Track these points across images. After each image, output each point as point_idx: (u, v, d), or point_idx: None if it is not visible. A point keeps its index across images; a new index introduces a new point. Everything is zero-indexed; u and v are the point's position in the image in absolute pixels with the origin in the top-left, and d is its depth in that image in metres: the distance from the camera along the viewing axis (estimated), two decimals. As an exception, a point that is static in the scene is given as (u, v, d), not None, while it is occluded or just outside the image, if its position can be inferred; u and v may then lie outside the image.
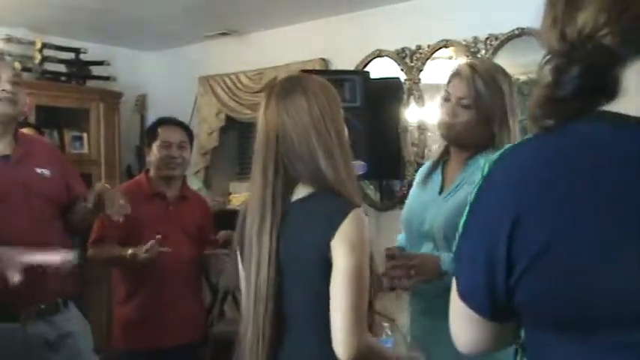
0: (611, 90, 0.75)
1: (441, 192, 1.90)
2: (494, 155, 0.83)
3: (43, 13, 4.11)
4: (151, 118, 2.84)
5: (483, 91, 1.80)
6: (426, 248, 1.84)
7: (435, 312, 1.59)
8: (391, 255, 1.78)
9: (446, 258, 1.71)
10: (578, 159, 0.73)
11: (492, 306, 0.81)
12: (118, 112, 4.77)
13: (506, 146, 0.85)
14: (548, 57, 0.80)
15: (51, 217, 2.21)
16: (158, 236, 2.40)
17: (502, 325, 0.85)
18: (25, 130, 3.55)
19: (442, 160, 1.97)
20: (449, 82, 1.89)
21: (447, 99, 1.87)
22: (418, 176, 2.04)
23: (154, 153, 2.67)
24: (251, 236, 1.46)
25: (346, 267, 1.36)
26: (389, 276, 1.75)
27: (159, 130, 2.70)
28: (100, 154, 4.61)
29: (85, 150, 4.61)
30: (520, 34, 3.50)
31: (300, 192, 1.46)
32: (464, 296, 0.84)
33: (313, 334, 1.42)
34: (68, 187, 2.30)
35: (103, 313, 3.97)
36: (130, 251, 2.41)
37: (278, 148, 1.44)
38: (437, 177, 1.94)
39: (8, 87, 2.09)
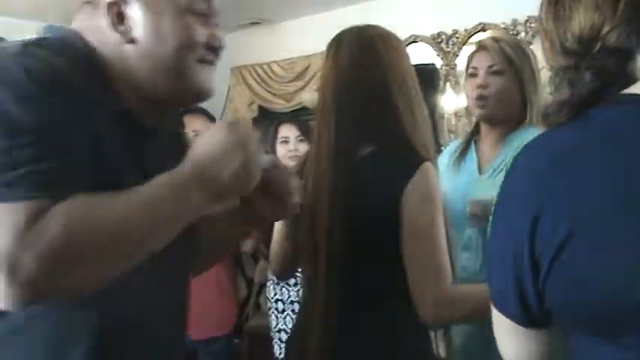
0: (627, 80, 0.71)
1: (480, 172, 1.81)
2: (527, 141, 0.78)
3: (74, 7, 4.11)
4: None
5: (512, 54, 1.75)
6: (471, 231, 1.75)
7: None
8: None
9: None
10: (601, 146, 0.70)
11: (524, 311, 0.76)
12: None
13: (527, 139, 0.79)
14: (557, 74, 0.77)
15: None
16: None
17: (547, 337, 0.78)
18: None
19: (473, 139, 1.89)
20: (472, 58, 1.84)
21: (473, 74, 1.81)
22: (445, 158, 1.94)
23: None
24: (317, 195, 1.35)
25: (419, 219, 1.26)
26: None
27: (184, 120, 2.67)
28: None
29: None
30: (562, 15, 3.35)
31: (368, 147, 1.35)
32: (495, 301, 0.80)
33: (386, 297, 1.33)
34: None
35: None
36: None
37: (351, 100, 1.34)
38: (471, 156, 1.86)
39: None
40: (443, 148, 3.79)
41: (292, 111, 4.48)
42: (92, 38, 0.94)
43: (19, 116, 0.77)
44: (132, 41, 0.93)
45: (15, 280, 0.70)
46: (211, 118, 2.87)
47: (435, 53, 3.92)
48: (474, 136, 1.89)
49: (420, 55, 3.96)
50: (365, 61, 1.35)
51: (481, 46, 1.84)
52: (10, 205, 0.73)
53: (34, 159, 0.76)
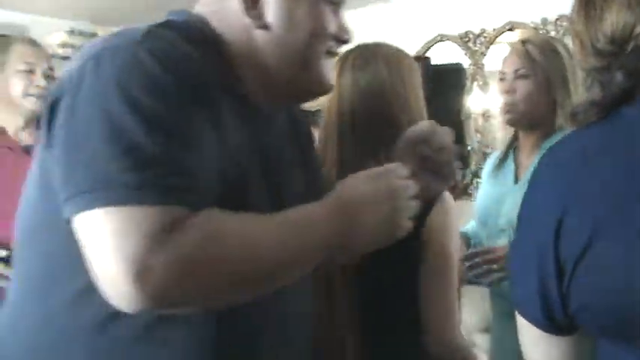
0: None
1: (516, 181, 1.78)
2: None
3: (105, 5, 4.16)
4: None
5: (538, 56, 1.71)
6: (503, 243, 1.71)
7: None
8: (474, 253, 1.63)
9: None
10: (626, 146, 0.69)
11: (548, 316, 0.74)
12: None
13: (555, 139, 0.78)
14: (589, 75, 0.76)
15: None
16: None
17: (573, 344, 0.76)
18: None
19: (512, 148, 1.85)
20: (502, 62, 1.82)
21: (502, 78, 1.79)
22: (487, 167, 1.92)
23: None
24: None
25: (438, 255, 1.25)
26: (471, 269, 1.61)
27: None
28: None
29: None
30: (593, 14, 3.28)
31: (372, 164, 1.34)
32: (518, 305, 0.78)
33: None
34: None
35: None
36: None
37: (354, 120, 1.34)
38: (509, 166, 1.82)
39: (43, 82, 1.97)
40: (470, 148, 3.78)
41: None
42: (218, 23, 0.90)
43: (153, 111, 0.73)
44: (264, 27, 0.89)
45: (143, 284, 0.68)
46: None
47: (462, 52, 3.87)
48: (513, 143, 1.85)
49: (446, 54, 3.93)
50: (366, 80, 1.35)
51: (510, 49, 1.81)
52: (143, 209, 0.69)
53: (167, 160, 0.72)
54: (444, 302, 1.26)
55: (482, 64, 3.80)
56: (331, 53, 0.95)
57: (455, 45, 3.91)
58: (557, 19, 3.43)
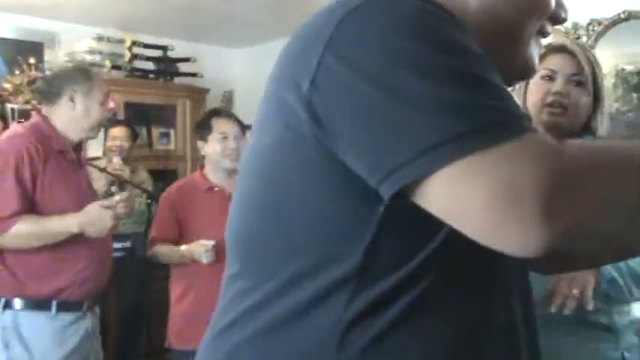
0: None
1: None
2: None
3: (131, 12, 4.19)
4: (238, 114, 2.81)
5: (597, 67, 1.61)
6: None
7: (555, 330, 1.36)
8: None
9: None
10: None
11: None
12: (205, 108, 4.81)
13: None
14: None
15: None
16: (212, 242, 2.39)
17: None
18: (117, 129, 3.67)
19: None
20: (546, 58, 1.62)
21: (549, 77, 1.61)
22: None
23: (212, 146, 2.62)
24: None
25: None
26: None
27: (212, 122, 2.65)
28: (185, 150, 4.66)
29: (172, 146, 4.69)
30: (627, 17, 3.17)
31: None
32: None
33: None
34: None
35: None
36: (193, 256, 2.46)
37: None
38: None
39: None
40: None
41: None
42: None
43: (467, 51, 0.65)
44: None
45: (552, 222, 0.58)
46: (239, 121, 2.73)
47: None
48: None
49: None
50: None
51: (559, 48, 1.64)
52: (515, 141, 0.60)
53: (503, 90, 0.65)
54: None
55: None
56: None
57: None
58: (589, 24, 3.34)
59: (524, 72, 0.84)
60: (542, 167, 0.59)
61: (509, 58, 0.81)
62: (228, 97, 5.14)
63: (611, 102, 3.31)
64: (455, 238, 0.63)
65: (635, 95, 3.28)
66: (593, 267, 0.62)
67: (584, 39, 3.33)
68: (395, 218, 0.65)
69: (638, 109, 3.28)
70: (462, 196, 0.60)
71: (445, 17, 0.66)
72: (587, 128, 1.63)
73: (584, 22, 3.36)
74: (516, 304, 0.76)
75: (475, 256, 0.64)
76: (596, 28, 3.31)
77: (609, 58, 3.29)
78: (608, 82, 3.29)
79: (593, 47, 3.29)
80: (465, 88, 0.61)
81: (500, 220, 0.59)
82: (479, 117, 0.60)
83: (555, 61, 1.62)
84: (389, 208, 0.64)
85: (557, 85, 1.60)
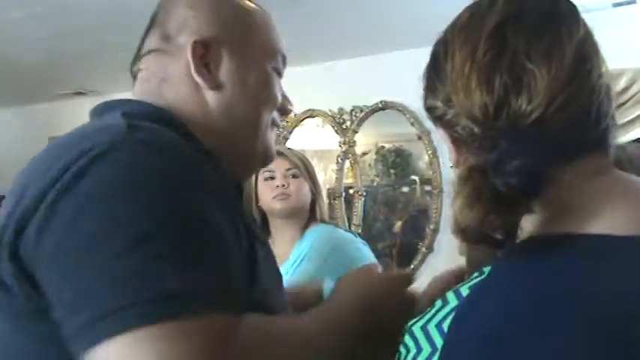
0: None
1: None
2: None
3: None
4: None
5: (307, 162, 2.03)
6: None
7: None
8: None
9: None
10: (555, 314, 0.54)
11: None
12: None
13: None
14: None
15: None
16: None
17: None
18: None
19: None
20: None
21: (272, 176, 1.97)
22: None
23: None
24: None
25: None
26: None
27: None
28: None
29: None
30: (384, 107, 3.57)
31: None
32: None
33: None
34: None
35: None
36: None
37: None
38: None
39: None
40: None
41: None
42: (166, 95, 0.83)
43: (182, 214, 0.62)
44: (217, 87, 0.83)
45: None
46: None
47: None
48: None
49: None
50: None
51: (278, 152, 1.90)
52: (197, 319, 0.57)
53: (209, 262, 0.62)
54: None
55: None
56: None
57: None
58: (352, 110, 3.66)
59: (265, 158, 0.93)
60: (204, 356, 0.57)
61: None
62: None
63: (372, 177, 3.66)
64: None
65: (392, 171, 3.66)
66: None
67: (348, 123, 3.64)
68: None
69: (394, 184, 3.66)
70: None
71: (177, 166, 0.66)
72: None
73: (348, 108, 3.68)
74: None
75: None
76: (358, 114, 3.64)
77: (371, 137, 3.66)
78: (370, 159, 3.65)
79: (356, 130, 3.62)
80: (148, 258, 0.58)
81: None
82: (147, 291, 0.56)
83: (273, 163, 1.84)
84: None
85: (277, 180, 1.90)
